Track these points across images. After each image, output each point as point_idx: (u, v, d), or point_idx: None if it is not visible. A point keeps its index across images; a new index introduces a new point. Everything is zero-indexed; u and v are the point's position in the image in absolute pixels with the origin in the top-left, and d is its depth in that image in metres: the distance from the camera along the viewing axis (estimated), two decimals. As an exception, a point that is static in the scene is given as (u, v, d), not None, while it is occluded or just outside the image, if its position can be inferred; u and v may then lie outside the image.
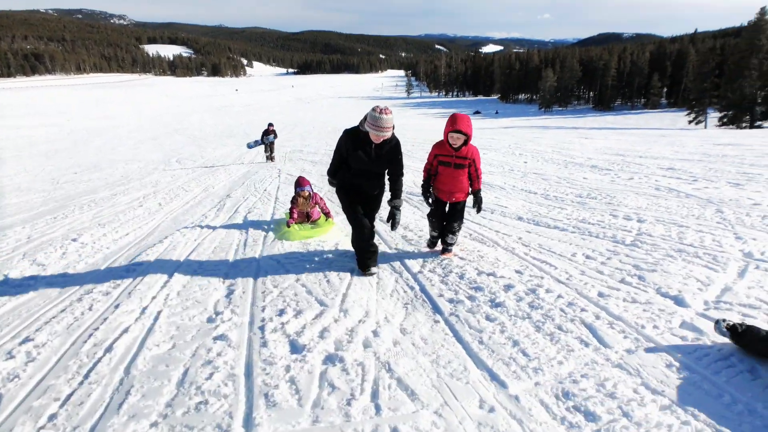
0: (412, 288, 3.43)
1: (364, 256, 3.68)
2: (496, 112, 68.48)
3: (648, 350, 2.38)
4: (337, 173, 3.74)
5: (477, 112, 65.66)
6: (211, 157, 16.23)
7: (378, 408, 2.06)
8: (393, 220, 3.80)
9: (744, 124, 40.55)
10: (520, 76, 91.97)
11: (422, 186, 3.97)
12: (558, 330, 2.63)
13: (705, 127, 39.60)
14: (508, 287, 3.28)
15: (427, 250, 4.27)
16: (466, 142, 3.61)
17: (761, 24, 39.65)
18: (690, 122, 43.81)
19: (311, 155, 14.63)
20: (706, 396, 2.04)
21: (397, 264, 3.96)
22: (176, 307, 3.21)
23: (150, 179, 11.25)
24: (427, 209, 4.12)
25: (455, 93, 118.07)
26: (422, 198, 4.04)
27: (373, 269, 3.69)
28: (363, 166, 3.56)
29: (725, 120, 42.03)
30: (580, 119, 51.99)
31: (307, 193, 5.38)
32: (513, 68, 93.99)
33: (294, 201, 5.40)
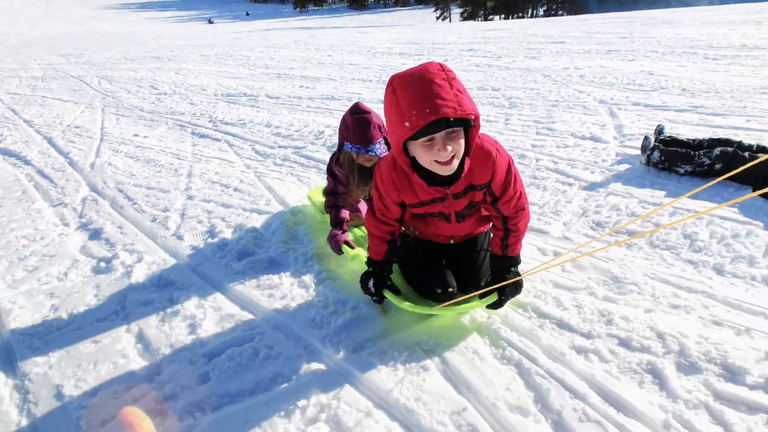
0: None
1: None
2: (247, 14, 64.14)
3: (624, 179, 2.81)
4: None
5: (210, 22, 50.91)
6: None
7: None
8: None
9: (479, 18, 49.02)
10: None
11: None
12: (537, 179, 2.86)
13: (450, 21, 46.18)
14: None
15: None
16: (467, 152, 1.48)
17: None
18: (437, 18, 50.42)
19: None
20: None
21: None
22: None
23: None
24: None
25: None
26: None
27: None
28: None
29: (465, 15, 49.94)
30: (338, 18, 53.41)
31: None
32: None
33: (338, 167, 2.15)
